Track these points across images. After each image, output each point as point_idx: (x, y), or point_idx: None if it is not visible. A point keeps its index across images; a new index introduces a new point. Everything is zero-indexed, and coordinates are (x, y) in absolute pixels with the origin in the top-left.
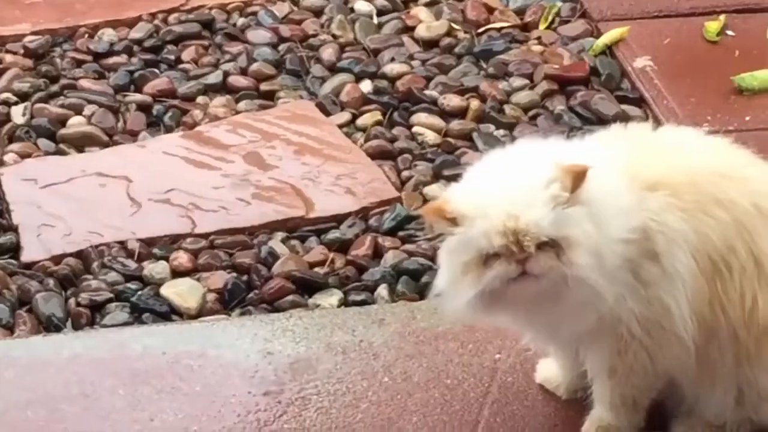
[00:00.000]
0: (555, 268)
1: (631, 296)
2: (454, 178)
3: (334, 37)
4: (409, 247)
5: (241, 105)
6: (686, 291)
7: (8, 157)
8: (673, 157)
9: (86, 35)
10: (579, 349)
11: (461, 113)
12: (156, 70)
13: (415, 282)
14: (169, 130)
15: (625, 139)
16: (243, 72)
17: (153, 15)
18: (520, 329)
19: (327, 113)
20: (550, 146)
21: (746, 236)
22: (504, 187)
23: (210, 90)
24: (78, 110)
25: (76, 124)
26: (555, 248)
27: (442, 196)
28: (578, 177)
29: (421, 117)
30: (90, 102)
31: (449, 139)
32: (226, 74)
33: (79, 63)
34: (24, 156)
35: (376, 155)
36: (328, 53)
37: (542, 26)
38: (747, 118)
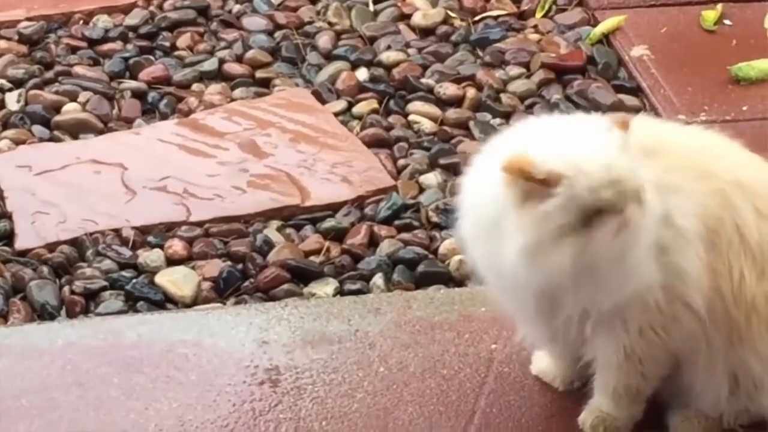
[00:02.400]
0: (648, 214)
1: (653, 265)
2: (451, 166)
3: (330, 24)
4: (404, 236)
5: (237, 92)
6: (699, 254)
7: (2, 144)
8: (661, 130)
9: (81, 21)
10: (589, 337)
11: (457, 102)
12: (151, 57)
13: (410, 271)
14: (164, 117)
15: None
16: (238, 59)
17: (148, 1)
18: (519, 322)
19: (323, 101)
20: (573, 118)
21: (731, 210)
22: (578, 143)
23: (205, 77)
24: (73, 97)
25: (70, 110)
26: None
27: (516, 160)
28: (627, 126)
29: (417, 105)
30: (85, 89)
31: (445, 128)
32: (221, 61)
33: (73, 49)
34: (18, 143)
35: (372, 143)
36: (324, 41)
37: (539, 14)
38: (744, 108)
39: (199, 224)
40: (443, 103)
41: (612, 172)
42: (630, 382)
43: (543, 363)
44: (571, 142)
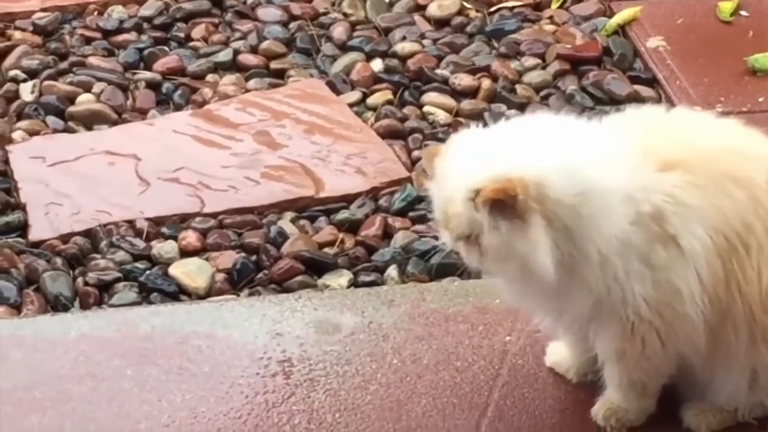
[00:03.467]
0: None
1: (639, 280)
2: None
3: (345, 15)
4: (419, 227)
5: (251, 83)
6: (700, 271)
7: (16, 135)
8: (688, 136)
9: (96, 12)
10: (588, 333)
11: (472, 93)
12: (166, 48)
13: (424, 263)
14: (178, 108)
15: (638, 121)
16: (253, 50)
17: None
18: (530, 311)
19: (337, 92)
20: (562, 122)
21: (763, 213)
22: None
23: (220, 68)
24: (87, 88)
25: (85, 101)
26: None
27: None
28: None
29: (432, 96)
30: (99, 79)
31: (460, 119)
32: (236, 52)
33: (88, 40)
34: (32, 134)
35: (387, 135)
36: (338, 32)
37: (554, 5)
38: (760, 99)
39: (213, 215)
40: (458, 94)
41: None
42: (632, 378)
43: (557, 355)
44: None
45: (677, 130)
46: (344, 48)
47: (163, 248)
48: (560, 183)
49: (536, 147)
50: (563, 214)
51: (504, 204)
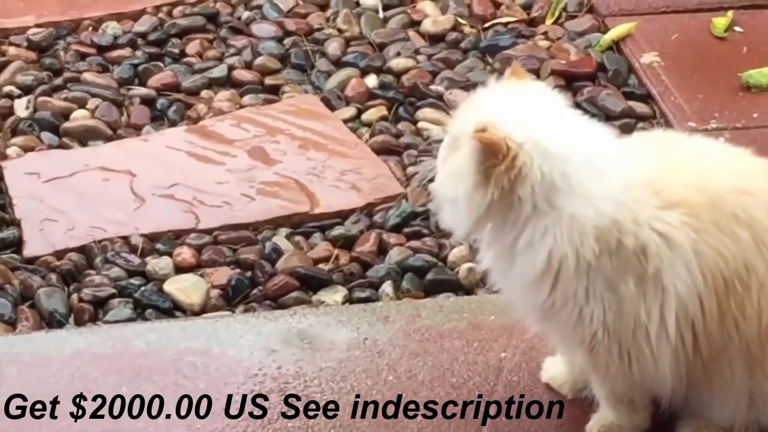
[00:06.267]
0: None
1: (600, 304)
2: None
3: (340, 31)
4: (414, 243)
5: (246, 99)
6: (684, 311)
7: (11, 151)
8: (699, 173)
9: (90, 28)
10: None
11: None
12: (160, 64)
13: (419, 279)
14: (173, 124)
15: (655, 148)
16: (248, 66)
17: (157, 8)
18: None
19: (332, 108)
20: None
21: (766, 252)
22: None
23: (214, 84)
24: (81, 104)
25: (79, 117)
26: None
27: None
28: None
29: (426, 112)
30: (94, 95)
31: None
32: (230, 68)
33: (82, 56)
34: (27, 149)
35: (381, 150)
36: (333, 47)
37: (549, 21)
38: (755, 115)
39: (208, 232)
40: (453, 109)
41: None
42: (615, 391)
43: (553, 370)
44: None
45: (690, 163)
46: (339, 64)
47: (158, 264)
48: (550, 176)
49: (561, 141)
50: (538, 198)
51: (486, 156)
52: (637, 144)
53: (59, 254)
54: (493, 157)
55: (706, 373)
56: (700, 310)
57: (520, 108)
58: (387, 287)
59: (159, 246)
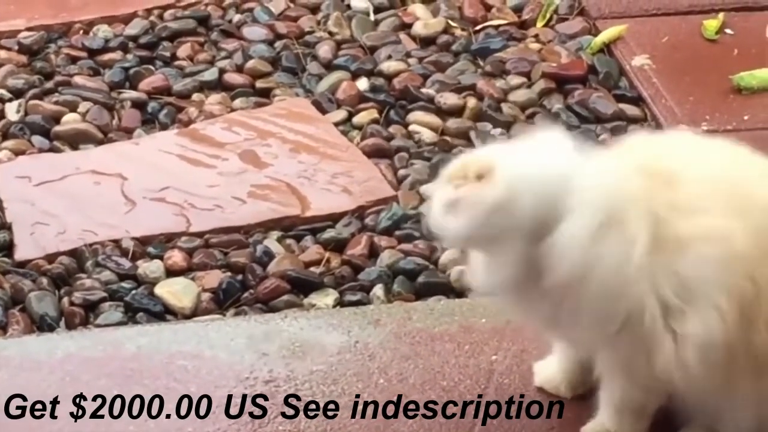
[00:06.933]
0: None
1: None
2: None
3: (331, 34)
4: (405, 246)
5: (237, 102)
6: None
7: (2, 155)
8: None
9: (81, 31)
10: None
11: (458, 111)
12: (151, 67)
13: (411, 282)
14: (164, 127)
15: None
16: (239, 69)
17: (148, 11)
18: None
19: (323, 111)
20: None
21: None
22: None
23: (205, 87)
24: (72, 107)
25: (70, 121)
26: None
27: None
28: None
29: (417, 115)
30: (85, 99)
31: (446, 138)
32: (221, 71)
33: (73, 59)
34: (18, 153)
35: (373, 153)
36: (324, 50)
37: (540, 24)
38: (745, 117)
39: (199, 235)
40: (444, 113)
41: None
42: (633, 396)
43: (546, 372)
44: None
45: (674, 157)
46: (330, 67)
47: (149, 268)
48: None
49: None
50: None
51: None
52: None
53: (50, 258)
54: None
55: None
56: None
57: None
58: (378, 290)
59: (150, 249)
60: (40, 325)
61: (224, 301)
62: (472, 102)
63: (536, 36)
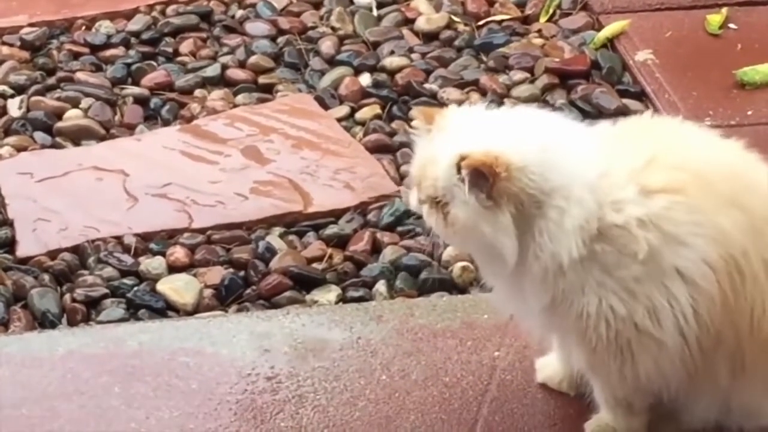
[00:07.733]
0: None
1: (599, 294)
2: None
3: (333, 29)
4: (407, 242)
5: (239, 98)
6: (690, 293)
7: (4, 151)
8: (692, 156)
9: (83, 27)
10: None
11: None
12: (153, 63)
13: (413, 278)
14: (166, 123)
15: (648, 134)
16: (241, 65)
17: (151, 7)
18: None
19: (326, 107)
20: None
21: (759, 242)
22: None
23: (208, 83)
24: (75, 103)
25: (72, 117)
26: None
27: None
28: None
29: None
30: (87, 95)
31: None
32: (224, 67)
33: (76, 55)
34: (20, 149)
35: (375, 149)
36: (327, 46)
37: (543, 19)
38: (749, 113)
39: (201, 231)
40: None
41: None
42: (615, 394)
43: (548, 368)
44: None
45: (684, 149)
46: (332, 62)
47: (151, 264)
48: (538, 176)
49: (531, 138)
50: (530, 204)
51: (484, 178)
52: (630, 128)
53: (52, 254)
54: (491, 175)
55: (697, 373)
56: (701, 293)
57: (477, 131)
58: (380, 286)
59: (152, 246)
60: (42, 321)
61: (226, 297)
62: (475, 97)
63: (539, 31)
